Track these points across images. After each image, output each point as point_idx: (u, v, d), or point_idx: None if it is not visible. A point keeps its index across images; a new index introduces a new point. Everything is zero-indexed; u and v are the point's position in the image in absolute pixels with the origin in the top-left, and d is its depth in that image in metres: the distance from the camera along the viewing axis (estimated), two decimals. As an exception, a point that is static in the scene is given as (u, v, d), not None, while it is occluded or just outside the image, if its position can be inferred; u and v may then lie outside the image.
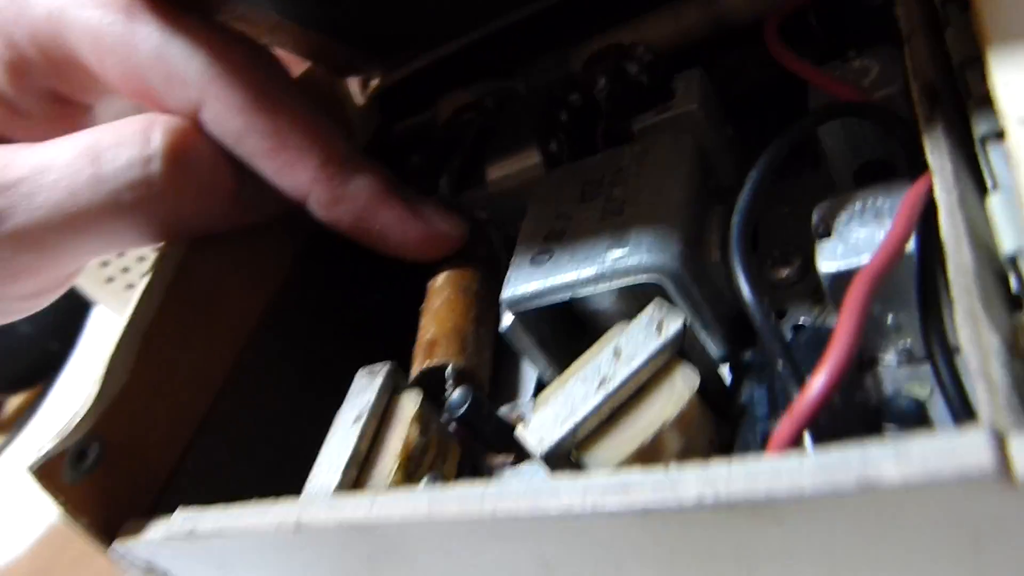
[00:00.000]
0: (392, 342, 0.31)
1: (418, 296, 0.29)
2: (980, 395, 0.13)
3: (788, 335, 0.21)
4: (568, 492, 0.15)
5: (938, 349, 0.16)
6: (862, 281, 0.15)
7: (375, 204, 0.26)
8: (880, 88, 0.21)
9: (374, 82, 0.34)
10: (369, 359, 0.26)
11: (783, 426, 0.15)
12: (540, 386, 0.26)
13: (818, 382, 0.15)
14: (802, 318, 0.22)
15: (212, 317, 0.28)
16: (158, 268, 0.27)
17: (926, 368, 0.19)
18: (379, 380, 0.24)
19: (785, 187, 0.25)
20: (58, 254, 0.26)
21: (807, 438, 0.15)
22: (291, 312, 0.30)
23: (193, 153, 0.25)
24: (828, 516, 0.14)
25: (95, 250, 0.26)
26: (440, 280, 0.27)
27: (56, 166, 0.24)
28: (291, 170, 0.26)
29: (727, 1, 0.27)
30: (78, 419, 0.24)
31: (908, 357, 0.19)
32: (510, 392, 0.27)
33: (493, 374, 0.26)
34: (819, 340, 0.20)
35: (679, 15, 0.28)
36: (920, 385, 0.19)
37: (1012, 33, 0.17)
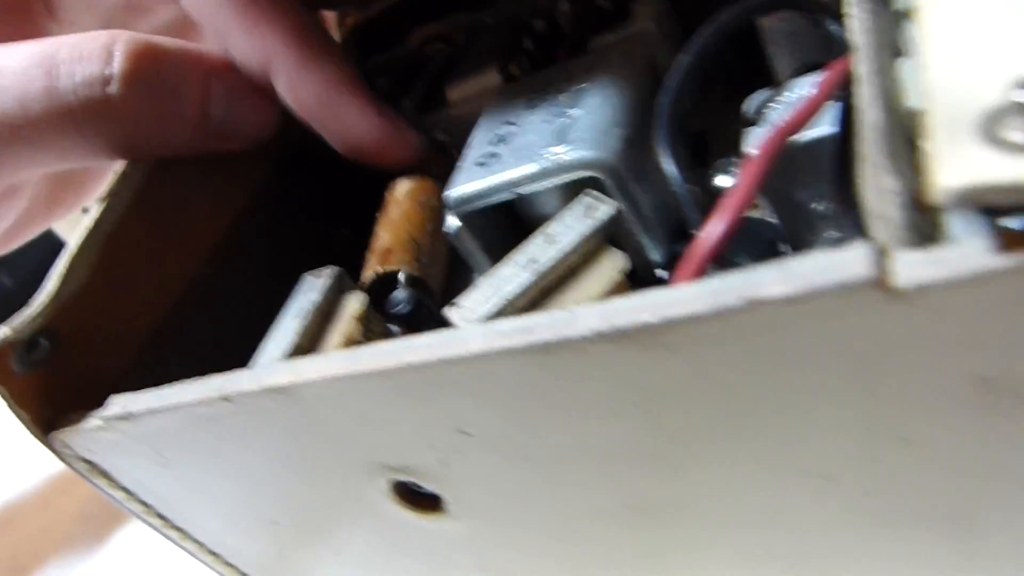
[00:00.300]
0: (355, 276, 0.31)
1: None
2: (873, 227, 0.14)
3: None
4: (474, 337, 0.16)
5: (846, 211, 0.16)
6: (774, 135, 0.16)
7: (341, 91, 0.26)
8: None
9: (349, 20, 0.34)
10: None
11: (679, 268, 0.15)
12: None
13: (712, 226, 0.15)
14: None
15: (176, 229, 0.28)
16: (126, 175, 0.27)
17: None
18: (324, 280, 0.24)
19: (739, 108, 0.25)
20: (1, 162, 0.26)
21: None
22: (255, 235, 0.30)
23: (156, 77, 0.25)
24: (719, 340, 0.14)
25: (43, 162, 0.26)
26: (399, 192, 0.27)
27: (6, 72, 0.24)
28: (262, 32, 0.25)
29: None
30: (34, 311, 0.24)
31: (837, 247, 0.19)
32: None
33: (445, 289, 0.27)
34: (750, 229, 0.20)
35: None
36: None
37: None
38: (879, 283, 0.12)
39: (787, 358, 0.14)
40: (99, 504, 0.27)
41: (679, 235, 0.22)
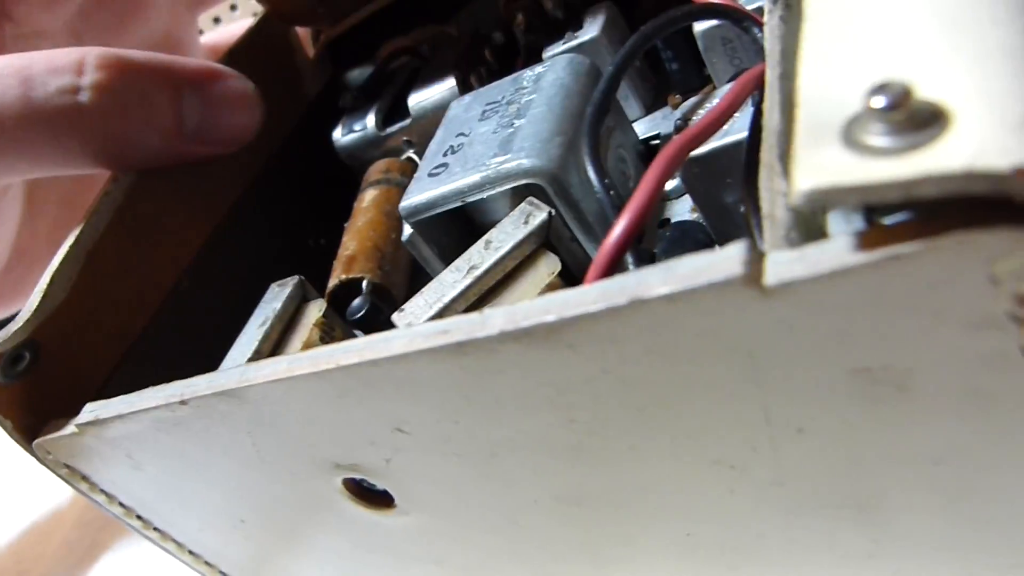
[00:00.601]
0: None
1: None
2: (764, 229, 0.14)
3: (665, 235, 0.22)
4: (398, 339, 0.16)
5: (752, 212, 0.17)
6: (675, 141, 0.16)
7: None
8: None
9: (323, 36, 0.36)
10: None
11: (589, 270, 0.16)
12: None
13: (616, 229, 0.16)
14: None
15: (155, 242, 0.29)
16: (107, 192, 0.28)
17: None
18: (287, 290, 0.25)
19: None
20: None
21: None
22: (232, 247, 0.31)
23: (127, 85, 0.26)
24: (615, 337, 0.14)
25: (19, 169, 0.27)
26: (365, 201, 0.28)
27: None
28: None
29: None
30: (17, 325, 0.25)
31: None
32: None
33: (408, 293, 0.27)
34: (683, 232, 0.21)
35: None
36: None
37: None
38: (749, 281, 0.13)
39: (677, 353, 0.14)
40: (95, 511, 0.28)
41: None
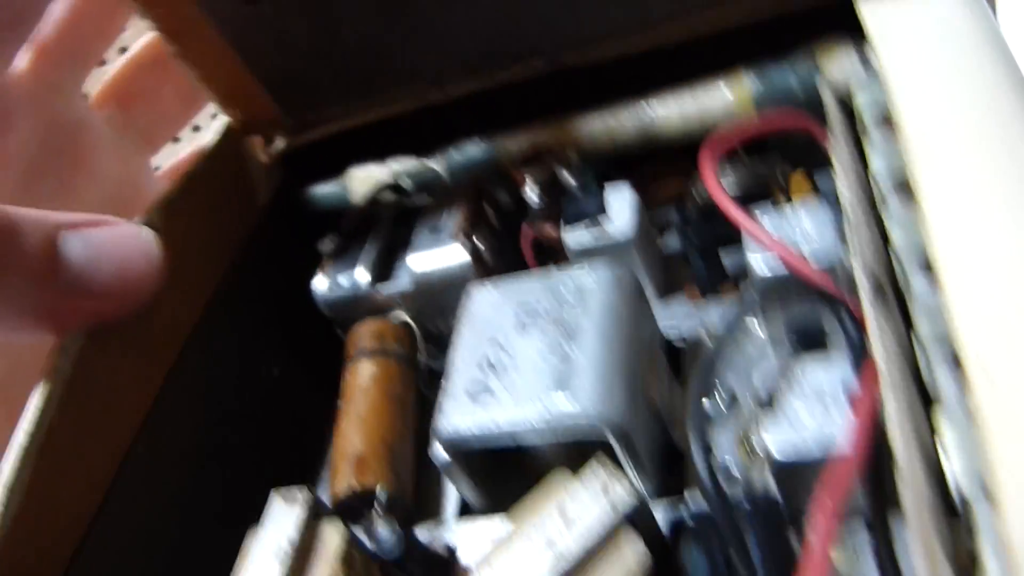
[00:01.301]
0: (292, 422, 0.30)
1: (318, 371, 0.28)
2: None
3: (740, 499, 0.21)
4: None
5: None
6: (826, 514, 0.16)
7: None
8: (814, 243, 0.22)
9: (279, 145, 0.32)
10: (267, 442, 0.24)
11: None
12: (463, 504, 0.25)
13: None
14: (727, 457, 0.22)
15: (105, 410, 0.26)
16: (53, 367, 0.24)
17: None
18: (298, 510, 0.23)
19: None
20: None
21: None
22: (184, 392, 0.28)
23: None
24: None
25: None
26: (363, 378, 0.26)
27: None
28: None
29: (658, 115, 0.27)
30: None
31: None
32: (432, 504, 0.26)
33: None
34: (770, 508, 0.20)
35: (610, 124, 0.28)
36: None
37: (964, 249, 0.17)
38: None
39: None
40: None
41: (670, 459, 0.23)
